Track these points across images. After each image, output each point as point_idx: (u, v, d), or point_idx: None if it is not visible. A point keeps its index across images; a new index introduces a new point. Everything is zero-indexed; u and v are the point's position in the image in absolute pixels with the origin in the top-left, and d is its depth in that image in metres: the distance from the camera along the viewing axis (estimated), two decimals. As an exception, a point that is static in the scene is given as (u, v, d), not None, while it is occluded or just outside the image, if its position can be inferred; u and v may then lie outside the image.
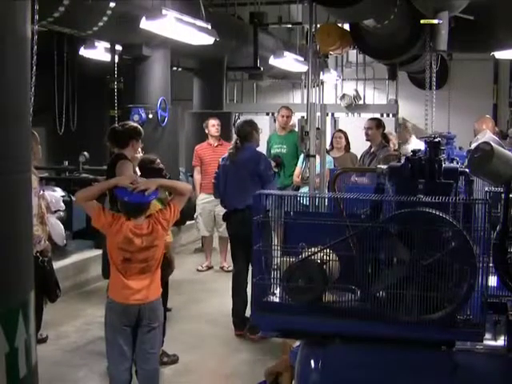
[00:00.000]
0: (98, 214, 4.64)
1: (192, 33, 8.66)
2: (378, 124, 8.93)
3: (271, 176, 7.35)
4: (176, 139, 11.05)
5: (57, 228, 7.46)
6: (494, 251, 3.25)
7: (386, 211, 3.29)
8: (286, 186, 9.48)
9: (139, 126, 6.35)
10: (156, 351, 4.95)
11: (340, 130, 10.15)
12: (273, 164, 9.69)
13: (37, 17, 5.43)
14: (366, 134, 8.86)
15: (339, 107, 15.76)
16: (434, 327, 3.09)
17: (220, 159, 7.60)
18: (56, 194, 6.70)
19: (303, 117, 7.58)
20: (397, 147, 9.76)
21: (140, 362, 4.84)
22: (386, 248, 3.15)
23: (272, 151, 10.11)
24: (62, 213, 8.29)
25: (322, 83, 14.87)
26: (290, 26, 14.87)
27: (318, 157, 7.31)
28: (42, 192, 6.53)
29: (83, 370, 6.19)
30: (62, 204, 8.20)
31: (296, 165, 9.37)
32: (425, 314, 3.09)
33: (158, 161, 6.09)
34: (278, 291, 3.38)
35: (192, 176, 10.53)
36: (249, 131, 7.32)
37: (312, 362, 3.31)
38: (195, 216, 10.17)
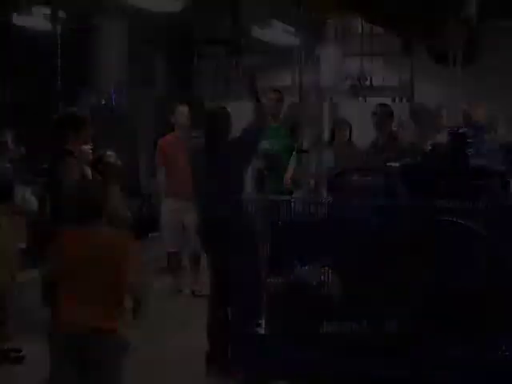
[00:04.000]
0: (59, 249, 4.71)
1: (154, -3, 8.66)
2: (391, 111, 8.95)
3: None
4: (134, 131, 11.03)
5: None
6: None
7: (398, 220, 3.30)
8: (280, 193, 9.19)
9: (87, 115, 6.34)
10: None
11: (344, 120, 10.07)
12: (262, 165, 9.63)
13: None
14: (377, 122, 8.84)
15: (339, 90, 15.79)
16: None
17: None
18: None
19: (294, 102, 7.57)
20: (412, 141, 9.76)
21: None
22: (401, 267, 3.15)
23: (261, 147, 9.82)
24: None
25: (318, 60, 14.89)
26: (277, -13, 14.90)
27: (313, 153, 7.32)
28: None
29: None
30: None
31: None
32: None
33: (117, 159, 6.07)
34: (263, 321, 3.38)
35: (154, 177, 10.50)
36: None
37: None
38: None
